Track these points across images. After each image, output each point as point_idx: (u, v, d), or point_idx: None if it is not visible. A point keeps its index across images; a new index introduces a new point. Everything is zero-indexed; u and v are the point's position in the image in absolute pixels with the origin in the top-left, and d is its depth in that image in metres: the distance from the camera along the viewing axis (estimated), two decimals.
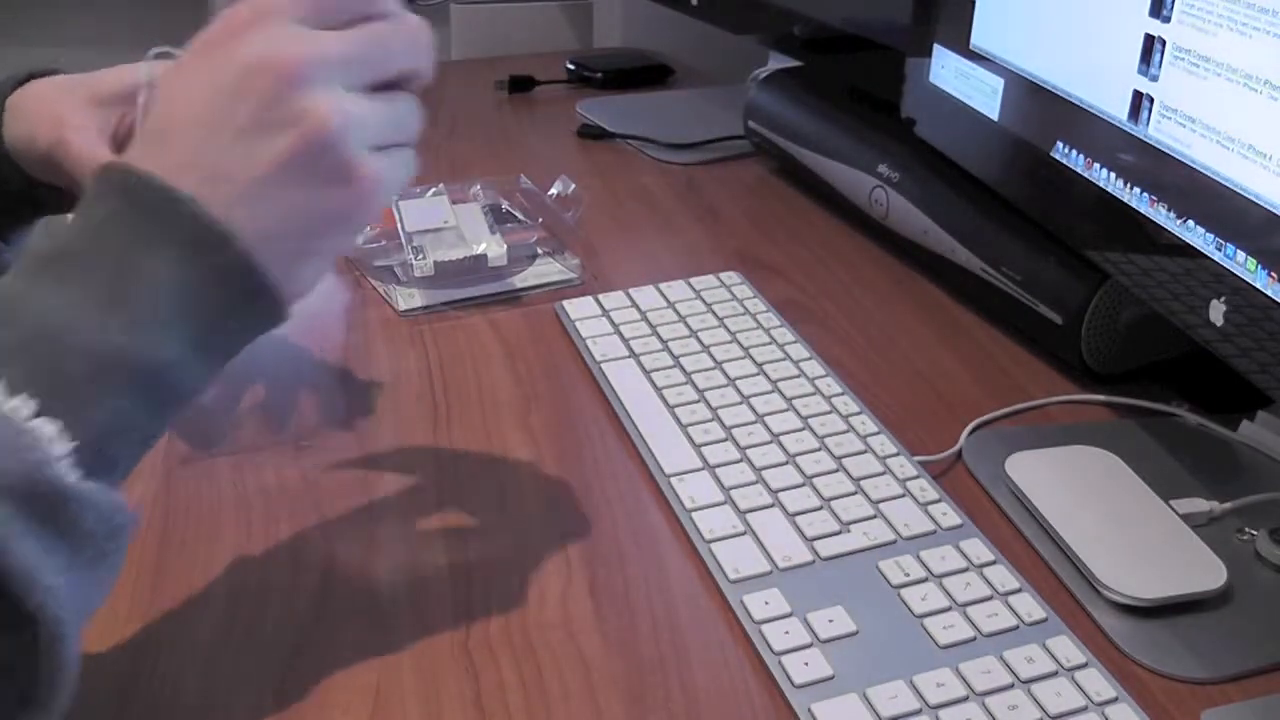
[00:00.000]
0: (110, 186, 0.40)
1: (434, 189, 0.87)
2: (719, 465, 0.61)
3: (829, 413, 0.65)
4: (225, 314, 0.40)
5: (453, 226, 0.82)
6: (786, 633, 0.50)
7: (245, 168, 0.40)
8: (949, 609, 0.51)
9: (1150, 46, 0.57)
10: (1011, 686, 0.47)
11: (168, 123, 0.41)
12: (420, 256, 0.79)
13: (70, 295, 0.38)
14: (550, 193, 0.92)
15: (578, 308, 0.77)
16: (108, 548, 0.37)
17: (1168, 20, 0.56)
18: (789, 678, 0.48)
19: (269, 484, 0.60)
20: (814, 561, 0.54)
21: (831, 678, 0.48)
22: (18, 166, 0.58)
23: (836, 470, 0.60)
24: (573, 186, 0.91)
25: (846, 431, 0.63)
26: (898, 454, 0.62)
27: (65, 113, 0.55)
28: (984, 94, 0.73)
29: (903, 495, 0.59)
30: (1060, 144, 0.65)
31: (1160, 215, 0.57)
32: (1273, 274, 0.50)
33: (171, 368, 0.39)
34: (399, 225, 0.81)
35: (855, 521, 0.57)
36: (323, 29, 0.41)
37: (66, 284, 0.38)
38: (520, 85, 1.28)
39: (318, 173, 0.41)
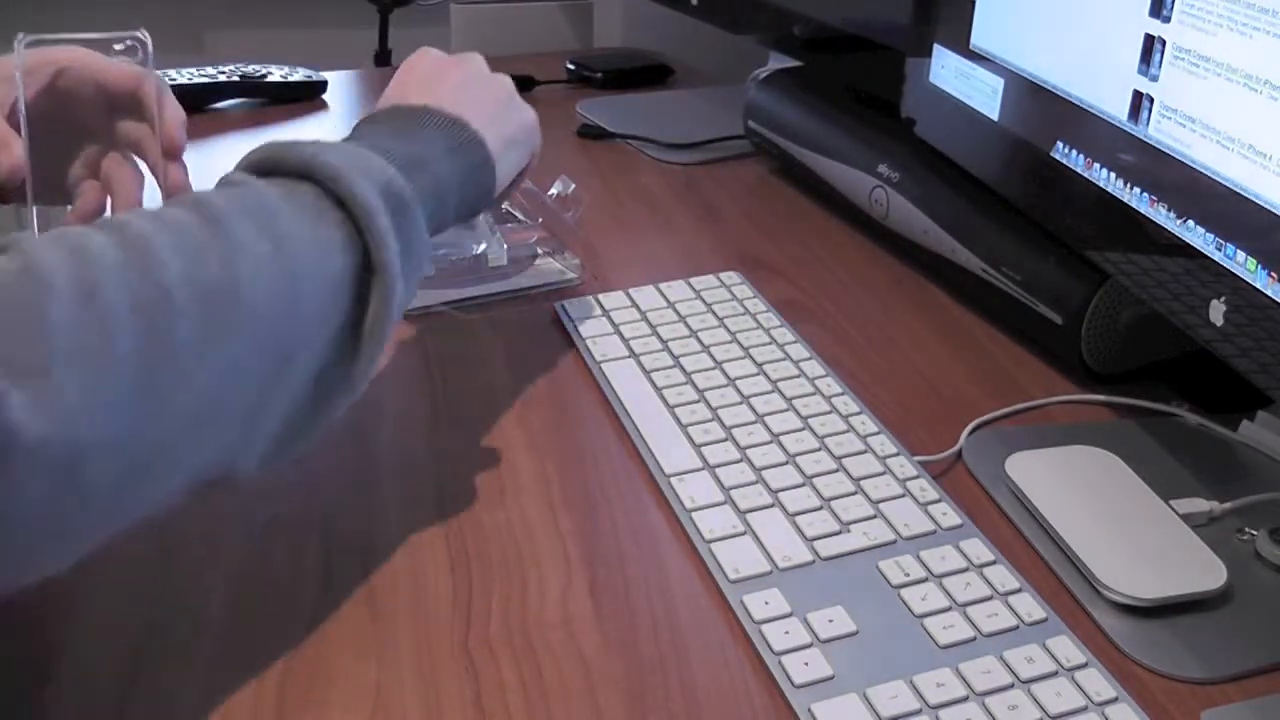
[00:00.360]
0: (377, 112, 0.59)
1: None
2: (719, 465, 0.61)
3: (829, 413, 0.65)
4: (469, 171, 0.59)
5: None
6: (786, 633, 0.50)
7: (469, 97, 0.61)
8: (949, 609, 0.51)
9: (1150, 46, 0.57)
10: (1011, 686, 0.48)
11: (414, 80, 0.62)
12: None
13: (382, 133, 0.56)
14: (550, 193, 0.92)
15: (578, 308, 0.77)
16: (418, 268, 0.53)
17: (1168, 20, 0.56)
18: (789, 678, 0.48)
19: (269, 484, 0.60)
20: (814, 561, 0.54)
21: (831, 678, 0.48)
22: None
23: (836, 470, 0.60)
24: (573, 186, 0.91)
25: (846, 431, 0.63)
26: (898, 454, 0.62)
27: None
28: (984, 94, 0.73)
29: (903, 495, 0.59)
30: (1060, 144, 0.65)
31: (1160, 215, 0.57)
32: (1273, 274, 0.50)
33: (446, 189, 0.56)
34: None
35: (855, 521, 0.57)
36: None
37: (375, 136, 0.56)
38: (520, 85, 1.26)
39: (509, 104, 0.65)
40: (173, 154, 0.62)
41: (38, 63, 0.61)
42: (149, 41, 0.61)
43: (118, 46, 0.64)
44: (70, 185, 0.65)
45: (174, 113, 0.63)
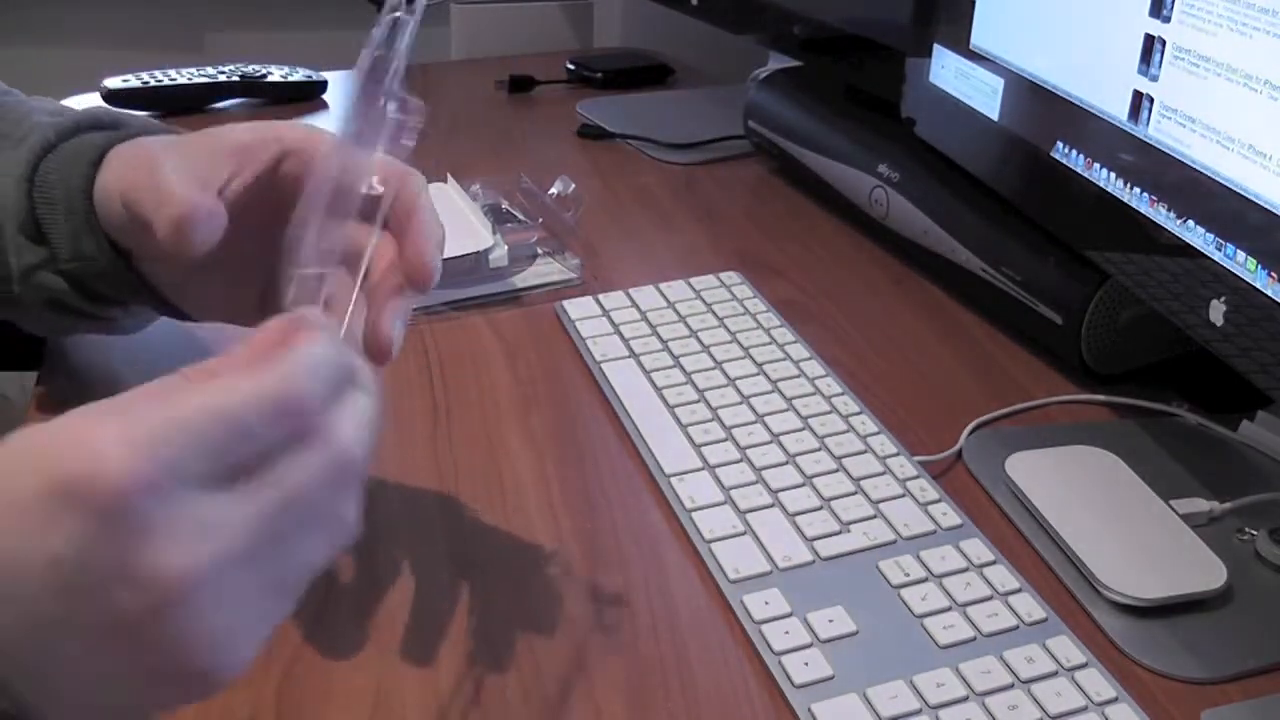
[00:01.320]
0: None
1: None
2: (719, 465, 0.61)
3: (829, 413, 0.65)
4: None
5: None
6: (786, 633, 0.50)
7: (39, 639, 0.29)
8: (949, 609, 0.51)
9: (1150, 46, 0.57)
10: (1011, 686, 0.48)
11: None
12: None
13: None
14: (550, 192, 0.92)
15: (578, 308, 0.77)
16: None
17: (1168, 20, 0.56)
18: (789, 678, 0.48)
19: None
20: (814, 561, 0.54)
21: (831, 678, 0.48)
22: (103, 238, 0.53)
23: (836, 470, 0.60)
24: (573, 186, 0.91)
25: (846, 431, 0.63)
26: (898, 454, 0.62)
27: (161, 156, 0.48)
28: (984, 94, 0.73)
29: (903, 495, 0.59)
30: (1060, 144, 0.65)
31: (1160, 215, 0.57)
32: (1273, 274, 0.50)
33: None
34: None
35: (855, 521, 0.57)
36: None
37: None
38: (520, 85, 1.28)
39: (142, 653, 0.29)
40: (419, 282, 0.44)
41: (260, 139, 0.48)
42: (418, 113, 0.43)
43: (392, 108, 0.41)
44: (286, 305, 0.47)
45: (430, 230, 0.45)
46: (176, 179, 0.47)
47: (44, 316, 0.58)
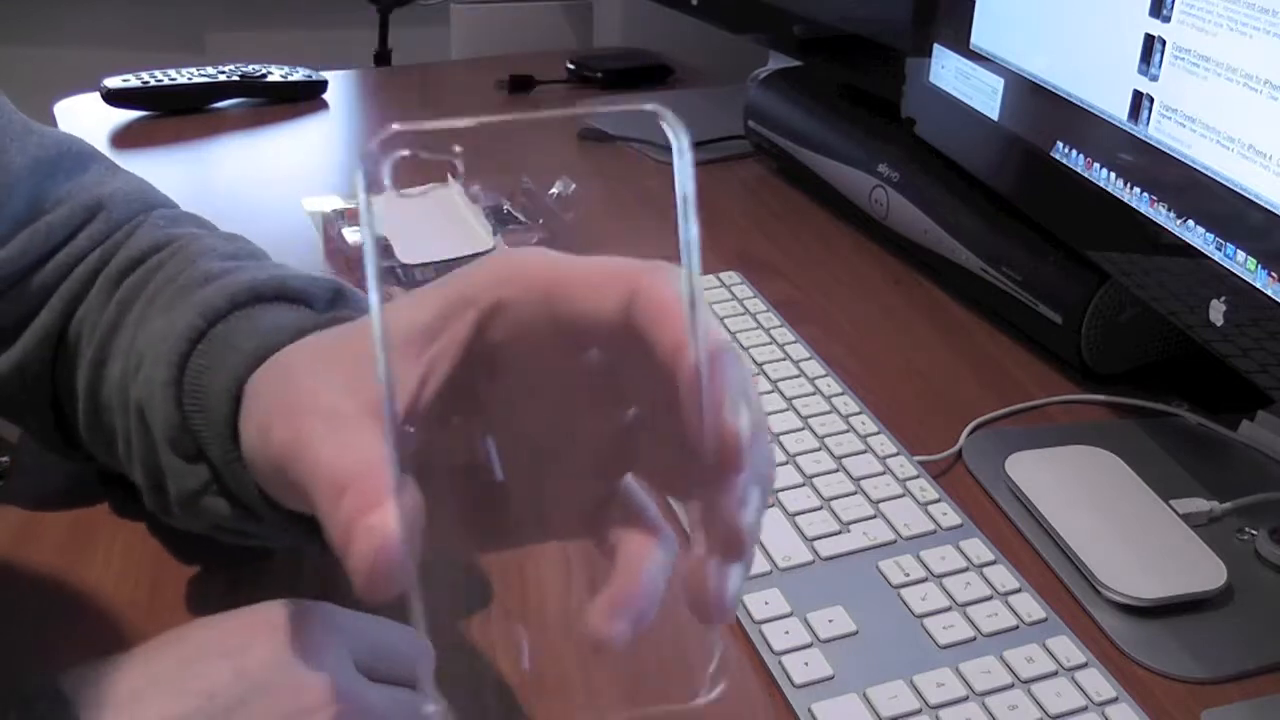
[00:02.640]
0: None
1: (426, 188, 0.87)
2: None
3: (829, 413, 0.65)
4: None
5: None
6: (786, 633, 0.50)
7: None
8: (949, 609, 0.51)
9: (1150, 46, 0.57)
10: (1011, 686, 0.47)
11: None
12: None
13: None
14: (551, 193, 0.92)
15: None
16: None
17: (1168, 20, 0.56)
18: (789, 678, 0.48)
19: None
20: (814, 561, 0.54)
21: (831, 678, 0.48)
22: (256, 491, 0.41)
23: (836, 470, 0.60)
24: (573, 187, 0.91)
25: (846, 431, 0.63)
26: (898, 454, 0.62)
27: (316, 387, 0.34)
28: (984, 94, 0.73)
29: (903, 495, 0.59)
30: (1060, 144, 0.65)
31: (1160, 215, 0.57)
32: (1273, 274, 0.50)
33: None
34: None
35: (855, 521, 0.57)
36: None
37: None
38: (520, 85, 1.28)
39: None
40: (728, 464, 0.29)
41: (447, 304, 0.32)
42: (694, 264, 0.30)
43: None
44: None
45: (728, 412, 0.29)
46: (338, 458, 0.31)
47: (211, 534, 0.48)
